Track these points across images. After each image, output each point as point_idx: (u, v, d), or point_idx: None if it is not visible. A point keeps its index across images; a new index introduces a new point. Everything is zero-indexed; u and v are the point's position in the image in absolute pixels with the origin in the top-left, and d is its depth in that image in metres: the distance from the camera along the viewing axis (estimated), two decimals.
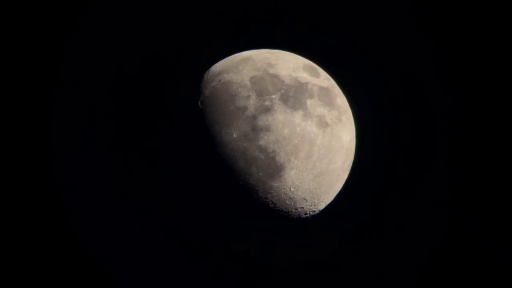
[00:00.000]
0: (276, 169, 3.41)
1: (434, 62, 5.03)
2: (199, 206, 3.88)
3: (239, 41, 4.34)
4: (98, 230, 4.86)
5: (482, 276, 4.64)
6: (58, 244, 4.68)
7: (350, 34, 5.10)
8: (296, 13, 5.11)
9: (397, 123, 5.10)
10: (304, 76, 3.68)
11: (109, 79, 5.08)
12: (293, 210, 3.68)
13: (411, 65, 5.09)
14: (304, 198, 3.63)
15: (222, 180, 3.49)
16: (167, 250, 4.86)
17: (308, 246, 4.83)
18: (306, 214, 3.81)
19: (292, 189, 3.52)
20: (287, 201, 3.58)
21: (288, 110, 3.43)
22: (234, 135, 3.40)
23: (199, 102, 3.61)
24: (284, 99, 3.46)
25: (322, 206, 3.88)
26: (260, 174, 3.41)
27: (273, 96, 3.46)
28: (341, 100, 3.89)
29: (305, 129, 3.44)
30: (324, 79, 3.85)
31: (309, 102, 3.53)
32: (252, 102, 3.43)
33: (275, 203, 3.56)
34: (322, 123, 3.54)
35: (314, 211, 3.86)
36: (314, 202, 3.73)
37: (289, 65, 3.72)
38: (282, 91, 3.49)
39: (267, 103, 3.43)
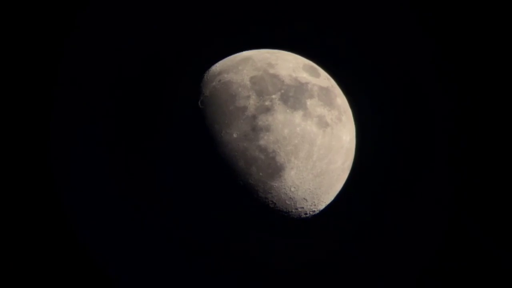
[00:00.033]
0: (276, 169, 3.41)
1: (434, 62, 5.03)
2: (199, 206, 3.88)
3: (239, 41, 4.34)
4: (98, 230, 4.86)
5: (482, 276, 4.64)
6: (58, 244, 4.68)
7: (350, 34, 5.10)
8: (296, 13, 5.11)
9: (397, 123, 5.10)
10: (304, 76, 3.68)
11: (109, 79, 5.08)
12: (293, 210, 3.68)
13: (411, 65, 5.09)
14: (304, 198, 3.63)
15: (222, 180, 3.49)
16: (167, 250, 4.86)
17: (308, 246, 4.83)
18: (306, 214, 3.81)
19: (292, 189, 3.52)
20: (287, 201, 3.58)
21: (288, 110, 3.43)
22: (234, 135, 3.40)
23: (199, 102, 3.61)
24: (284, 99, 3.46)
25: (322, 206, 3.88)
26: (260, 174, 3.41)
27: (273, 96, 3.46)
28: (341, 100, 3.89)
29: (305, 129, 3.44)
30: (324, 79, 3.85)
31: (309, 102, 3.53)
32: (252, 102, 3.43)
33: (275, 203, 3.56)
34: (322, 123, 3.54)
35: (314, 211, 3.86)
36: (314, 202, 3.73)
37: (289, 65, 3.72)
38: (282, 91, 3.49)
39: (267, 103, 3.43)
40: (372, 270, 4.87)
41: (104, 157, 5.00)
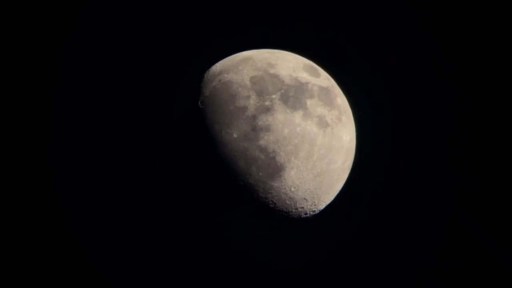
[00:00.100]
0: (276, 169, 3.41)
1: (434, 62, 5.03)
2: (199, 206, 3.87)
3: (239, 41, 4.34)
4: (98, 230, 4.86)
5: (482, 276, 4.65)
6: (58, 244, 4.68)
7: (350, 34, 5.10)
8: (296, 13, 5.11)
9: (397, 123, 5.10)
10: (304, 76, 3.68)
11: (109, 79, 5.08)
12: (293, 210, 3.68)
13: (411, 65, 5.09)
14: (304, 198, 3.63)
15: (222, 180, 3.49)
16: (167, 250, 4.86)
17: (308, 246, 4.83)
18: (306, 214, 3.81)
19: (292, 189, 3.52)
20: (287, 201, 3.58)
21: (288, 110, 3.43)
22: (234, 135, 3.39)
23: (199, 102, 3.61)
24: (284, 99, 3.46)
25: (322, 206, 3.88)
26: (260, 174, 3.41)
27: (273, 96, 3.46)
28: (341, 100, 3.89)
29: (305, 129, 3.44)
30: (324, 79, 3.85)
31: (309, 102, 3.53)
32: (252, 102, 3.43)
33: (275, 203, 3.56)
34: (322, 123, 3.54)
35: (314, 211, 3.86)
36: (314, 202, 3.73)
37: (289, 65, 3.72)
38: (282, 91, 3.49)
39: (267, 103, 3.43)
40: (372, 270, 4.87)
41: (104, 157, 5.00)
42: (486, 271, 4.65)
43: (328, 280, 4.80)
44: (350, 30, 5.09)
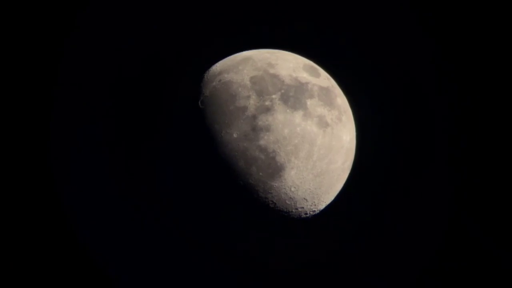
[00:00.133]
0: (276, 169, 3.41)
1: (434, 62, 5.03)
2: (199, 206, 3.87)
3: (239, 41, 4.34)
4: (98, 230, 4.86)
5: (482, 276, 4.65)
6: (58, 244, 4.68)
7: (350, 34, 5.10)
8: (296, 13, 5.11)
9: (397, 123, 5.10)
10: (304, 76, 3.68)
11: (109, 79, 5.08)
12: (293, 210, 3.68)
13: (411, 65, 5.09)
14: (304, 198, 3.63)
15: (222, 180, 3.49)
16: (167, 250, 4.86)
17: (308, 246, 4.83)
18: (306, 214, 3.81)
19: (293, 189, 3.52)
20: (287, 201, 3.58)
21: (288, 110, 3.43)
22: (234, 135, 3.39)
23: (199, 102, 3.61)
24: (284, 99, 3.46)
25: (322, 206, 3.88)
26: (260, 174, 3.41)
27: (273, 96, 3.46)
28: (341, 100, 3.89)
29: (305, 129, 3.44)
30: (324, 79, 3.85)
31: (309, 102, 3.53)
32: (252, 102, 3.43)
33: (275, 203, 3.56)
34: (322, 123, 3.54)
35: (315, 211, 3.86)
36: (314, 202, 3.73)
37: (289, 65, 3.72)
38: (282, 91, 3.49)
39: (267, 103, 3.43)
40: (372, 270, 4.87)
41: (104, 157, 5.00)
42: (486, 271, 4.65)
43: (328, 280, 4.80)
44: (350, 30, 5.09)
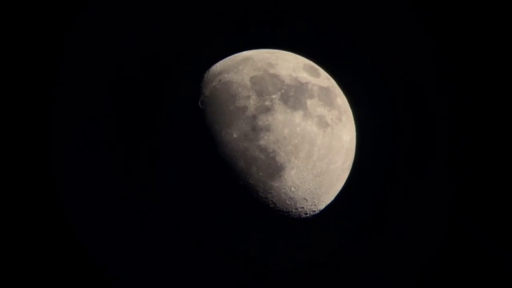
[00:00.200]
0: (276, 169, 3.41)
1: (434, 62, 5.03)
2: (199, 206, 3.87)
3: (239, 41, 4.34)
4: (98, 230, 4.86)
5: (482, 276, 4.65)
6: (58, 244, 4.68)
7: (350, 34, 5.10)
8: (296, 13, 5.11)
9: (397, 123, 5.10)
10: (304, 76, 3.68)
11: (109, 79, 5.08)
12: (293, 210, 3.68)
13: (411, 65, 5.09)
14: (304, 198, 3.63)
15: (222, 180, 3.49)
16: (167, 250, 4.86)
17: (308, 246, 4.83)
18: (306, 214, 3.81)
19: (293, 189, 3.52)
20: (287, 201, 3.58)
21: (288, 110, 3.43)
22: (234, 135, 3.39)
23: (199, 102, 3.61)
24: (284, 99, 3.46)
25: (322, 206, 3.88)
26: (260, 174, 3.41)
27: (273, 96, 3.46)
28: (341, 100, 3.89)
29: (305, 129, 3.44)
30: (324, 79, 3.85)
31: (309, 102, 3.53)
32: (252, 102, 3.43)
33: (275, 203, 3.56)
34: (322, 123, 3.54)
35: (315, 211, 3.86)
36: (314, 202, 3.73)
37: (289, 65, 3.72)
38: (282, 91, 3.49)
39: (267, 103, 3.43)
40: (372, 270, 4.87)
41: (104, 157, 5.00)
42: (486, 271, 4.65)
43: (328, 280, 4.80)
44: (350, 30, 5.09)
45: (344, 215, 4.72)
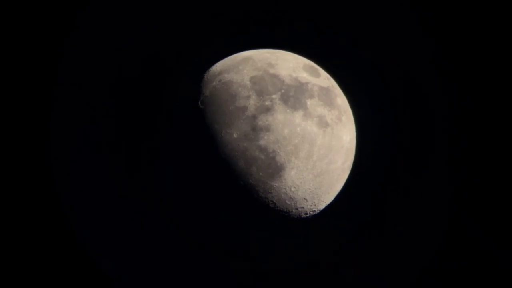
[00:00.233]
0: (276, 169, 3.41)
1: (434, 62, 5.03)
2: (199, 206, 3.88)
3: (239, 41, 4.34)
4: (98, 230, 4.86)
5: (482, 276, 4.65)
6: (58, 244, 4.68)
7: (350, 34, 5.10)
8: (296, 13, 5.11)
9: (397, 123, 5.10)
10: (304, 76, 3.68)
11: (109, 79, 5.08)
12: (293, 210, 3.68)
13: (411, 65, 5.09)
14: (304, 198, 3.63)
15: (222, 180, 3.49)
16: (167, 250, 4.86)
17: (308, 246, 4.83)
18: (306, 214, 3.81)
19: (293, 189, 3.52)
20: (287, 201, 3.58)
21: (288, 110, 3.43)
22: (234, 135, 3.40)
23: (199, 102, 3.61)
24: (284, 99, 3.46)
25: (322, 206, 3.88)
26: (260, 174, 3.41)
27: (273, 96, 3.46)
28: (341, 100, 3.90)
29: (305, 129, 3.44)
30: (324, 79, 3.85)
31: (309, 102, 3.53)
32: (252, 102, 3.43)
33: (275, 203, 3.56)
34: (322, 123, 3.54)
35: (315, 211, 3.86)
36: (314, 202, 3.73)
37: (289, 65, 3.72)
38: (282, 91, 3.49)
39: (267, 103, 3.43)
40: (372, 270, 4.87)
41: (104, 157, 5.00)
42: (486, 271, 4.65)
43: (328, 280, 4.80)
44: (350, 30, 5.09)
45: (344, 215, 4.72)
